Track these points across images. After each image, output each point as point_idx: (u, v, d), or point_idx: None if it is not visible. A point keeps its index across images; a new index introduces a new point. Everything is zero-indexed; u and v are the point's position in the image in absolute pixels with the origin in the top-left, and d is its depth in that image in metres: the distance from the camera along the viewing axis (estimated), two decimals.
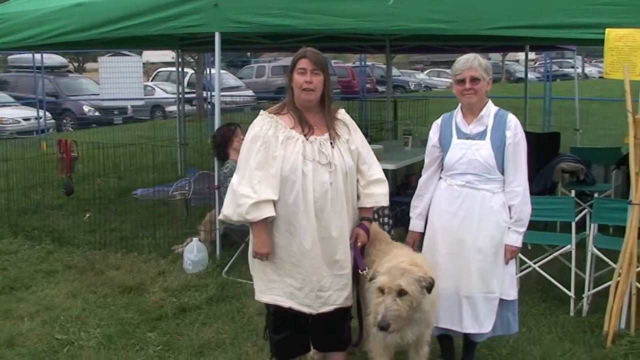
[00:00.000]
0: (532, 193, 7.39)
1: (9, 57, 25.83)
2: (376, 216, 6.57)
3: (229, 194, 4.07)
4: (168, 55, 24.93)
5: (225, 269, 6.72)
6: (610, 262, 5.57)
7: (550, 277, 5.87)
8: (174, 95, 16.13)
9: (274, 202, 3.98)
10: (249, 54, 33.76)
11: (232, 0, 6.55)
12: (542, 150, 8.51)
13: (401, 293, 3.75)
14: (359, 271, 4.12)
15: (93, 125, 19.73)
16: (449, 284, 4.29)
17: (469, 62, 4.25)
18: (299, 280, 4.06)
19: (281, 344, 4.33)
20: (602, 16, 5.18)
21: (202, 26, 6.76)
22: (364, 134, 4.42)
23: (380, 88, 28.64)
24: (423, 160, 4.67)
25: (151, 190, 10.04)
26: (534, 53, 28.63)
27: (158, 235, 7.85)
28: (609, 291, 5.28)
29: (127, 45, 12.41)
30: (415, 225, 4.59)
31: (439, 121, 4.54)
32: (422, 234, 4.58)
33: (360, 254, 4.19)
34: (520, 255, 5.99)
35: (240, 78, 30.06)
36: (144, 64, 20.53)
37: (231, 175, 4.24)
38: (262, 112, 4.18)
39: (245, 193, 3.92)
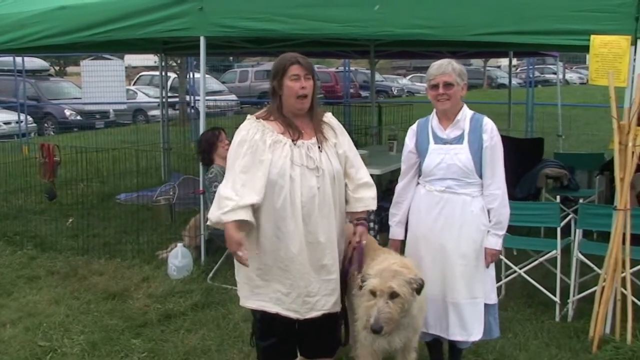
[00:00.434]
0: (516, 199, 7.48)
1: None
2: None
3: (215, 198, 4.05)
4: (150, 59, 24.86)
5: (210, 274, 6.68)
6: (595, 268, 5.59)
7: (535, 283, 5.88)
8: (157, 99, 16.07)
9: (261, 207, 3.95)
10: (231, 58, 33.70)
11: (218, 5, 6.53)
12: (526, 156, 8.56)
13: (393, 295, 3.72)
14: (356, 273, 4.08)
15: (75, 130, 19.64)
16: (435, 290, 4.27)
17: (443, 67, 4.25)
18: (287, 285, 4.03)
19: (268, 351, 4.30)
20: (587, 23, 5.20)
21: (187, 30, 6.73)
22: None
23: (364, 93, 28.69)
24: None
25: (134, 195, 9.96)
26: (515, 59, 28.80)
27: (142, 241, 7.79)
28: (594, 296, 5.31)
29: (111, 48, 12.34)
30: (395, 233, 4.57)
31: (414, 127, 4.52)
32: (403, 242, 4.57)
33: (362, 254, 4.14)
34: (505, 260, 6.03)
35: (223, 82, 30.01)
36: (126, 67, 20.47)
37: (216, 180, 4.22)
38: (249, 116, 4.15)
39: (228, 195, 3.88)
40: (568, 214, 6.32)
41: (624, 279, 5.21)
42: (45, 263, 7.24)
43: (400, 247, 4.55)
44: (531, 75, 17.70)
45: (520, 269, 5.96)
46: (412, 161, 4.48)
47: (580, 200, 6.35)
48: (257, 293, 4.11)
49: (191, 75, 19.52)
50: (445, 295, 4.30)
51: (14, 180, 10.85)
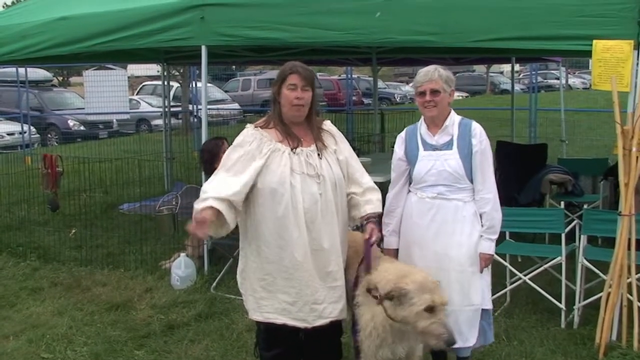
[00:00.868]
0: (520, 205, 7.45)
1: None
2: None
3: None
4: (153, 68, 24.86)
5: (214, 284, 6.65)
6: (601, 274, 5.56)
7: (540, 289, 5.85)
8: (160, 109, 16.07)
9: (261, 218, 3.95)
10: (234, 67, 33.74)
11: (219, 14, 6.52)
12: (530, 161, 8.52)
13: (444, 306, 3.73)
14: (366, 273, 4.03)
15: (78, 140, 19.62)
16: None
17: (429, 74, 4.24)
18: (292, 294, 4.00)
19: None
20: (589, 28, 5.18)
21: (189, 39, 6.72)
22: (351, 146, 4.39)
23: (366, 100, 28.70)
24: None
25: (137, 205, 9.96)
26: (518, 65, 28.77)
27: (145, 251, 7.77)
28: (600, 303, 5.27)
29: (113, 59, 12.36)
30: (390, 242, 4.55)
31: (403, 134, 4.52)
32: (397, 250, 4.54)
33: (370, 253, 4.10)
34: (510, 267, 6.00)
35: (226, 91, 30.04)
36: (129, 77, 20.50)
37: None
38: (248, 125, 4.16)
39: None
40: (572, 220, 6.29)
41: (629, 285, 5.18)
42: (49, 274, 7.22)
43: (395, 257, 4.51)
44: (534, 81, 17.66)
45: (525, 275, 5.93)
46: (402, 169, 4.47)
47: (585, 206, 6.32)
48: (262, 305, 4.08)
49: (194, 85, 19.53)
50: None
51: (17, 191, 10.86)
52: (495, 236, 4.30)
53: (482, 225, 4.29)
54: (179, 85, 23.37)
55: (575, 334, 5.48)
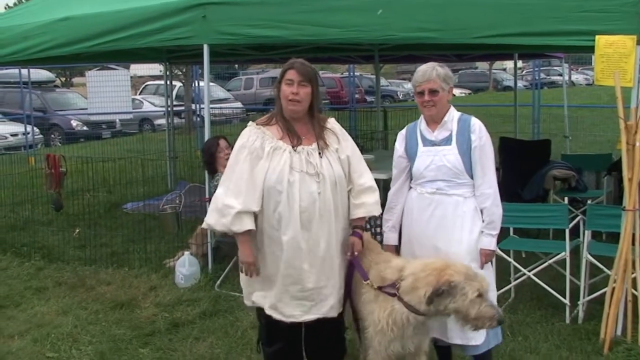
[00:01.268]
0: (524, 201, 7.44)
1: None
2: (368, 226, 6.52)
3: (213, 202, 4.07)
4: (156, 68, 24.86)
5: (218, 282, 6.66)
6: (605, 269, 5.56)
7: (545, 285, 5.84)
8: (162, 109, 16.09)
9: (261, 213, 3.98)
10: (236, 66, 33.75)
11: (220, 12, 6.52)
12: (533, 157, 8.52)
13: None
14: (363, 281, 4.06)
15: (81, 140, 19.65)
16: None
17: (427, 74, 4.23)
18: (284, 290, 4.03)
19: (274, 357, 4.30)
20: (591, 23, 5.18)
21: (191, 38, 6.73)
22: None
23: (369, 98, 28.69)
24: None
25: (141, 204, 9.97)
26: (521, 61, 28.70)
27: (149, 250, 7.78)
28: (605, 298, 5.27)
29: (115, 58, 12.37)
30: (389, 238, 4.55)
31: (403, 131, 4.53)
32: (397, 246, 4.54)
33: (359, 263, 4.14)
34: (514, 263, 6.00)
35: (229, 90, 30.05)
36: (131, 77, 20.49)
37: None
38: (250, 123, 4.17)
39: (229, 204, 3.91)
40: (576, 215, 6.28)
41: (634, 280, 5.19)
42: (53, 274, 7.23)
43: (396, 253, 4.51)
44: (537, 77, 17.63)
45: (529, 271, 5.92)
46: (402, 165, 4.47)
47: (589, 201, 6.32)
48: (267, 296, 4.10)
49: (196, 84, 19.54)
50: None
51: (21, 191, 10.88)
52: (496, 232, 4.28)
53: (482, 221, 4.28)
54: (181, 84, 23.37)
55: (580, 329, 5.48)
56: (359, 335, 4.33)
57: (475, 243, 4.26)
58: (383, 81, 32.47)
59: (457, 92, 34.25)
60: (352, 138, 4.36)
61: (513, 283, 6.07)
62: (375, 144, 12.07)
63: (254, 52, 10.59)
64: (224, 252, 6.96)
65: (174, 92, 19.44)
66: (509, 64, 38.68)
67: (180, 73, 21.80)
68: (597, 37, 5.11)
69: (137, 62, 15.49)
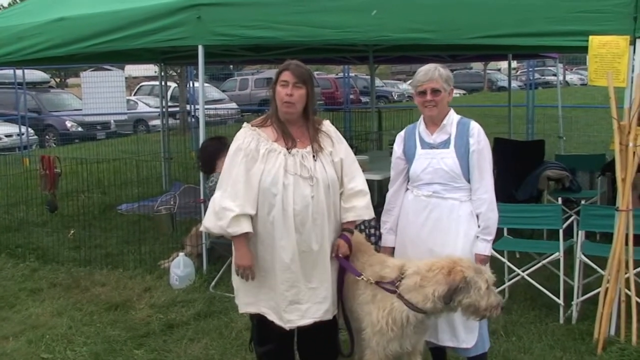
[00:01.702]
0: (518, 201, 7.45)
1: None
2: (362, 227, 6.54)
3: (211, 205, 4.07)
4: (150, 69, 24.86)
5: (213, 283, 6.67)
6: (599, 269, 5.58)
7: (538, 285, 5.86)
8: (157, 109, 16.07)
9: (255, 216, 3.98)
10: (231, 66, 33.74)
11: (215, 13, 6.53)
12: (527, 158, 8.54)
13: None
14: (356, 277, 4.07)
15: (76, 141, 19.62)
16: None
17: (429, 73, 4.23)
18: (278, 293, 4.03)
19: (266, 357, 4.31)
20: (585, 23, 5.20)
21: (185, 39, 6.73)
22: (349, 145, 4.40)
23: (364, 99, 28.71)
24: None
25: (136, 205, 9.97)
26: (515, 61, 28.74)
27: (143, 251, 7.78)
28: (598, 298, 5.29)
29: (110, 59, 12.36)
30: (387, 240, 4.55)
31: (402, 133, 4.52)
32: (394, 248, 4.54)
33: (348, 263, 4.15)
34: (508, 263, 6.01)
35: (224, 91, 30.04)
36: (126, 78, 20.49)
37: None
38: (245, 124, 4.17)
39: (227, 206, 3.91)
40: (570, 216, 6.30)
41: (627, 280, 5.20)
42: (48, 275, 7.22)
43: (391, 254, 4.51)
44: (531, 78, 17.67)
45: (523, 271, 5.94)
46: (400, 167, 4.47)
47: (582, 202, 6.33)
48: (258, 299, 4.12)
49: (191, 85, 19.53)
50: None
51: (16, 192, 10.86)
52: (491, 237, 4.27)
53: (478, 226, 4.29)
54: (176, 85, 23.36)
55: (574, 329, 5.50)
56: (351, 337, 4.34)
57: (470, 247, 4.25)
58: (378, 82, 32.52)
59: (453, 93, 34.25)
60: (347, 139, 4.36)
61: (507, 283, 6.08)
62: (369, 145, 12.07)
63: (249, 53, 10.60)
64: (219, 253, 6.96)
65: (169, 93, 19.45)
66: (504, 65, 38.78)
67: (175, 74, 21.80)
68: (590, 37, 5.13)
69: (131, 62, 15.45)
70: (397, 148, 4.50)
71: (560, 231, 5.83)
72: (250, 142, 4.00)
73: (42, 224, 9.45)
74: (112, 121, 21.82)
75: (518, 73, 37.41)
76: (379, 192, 8.04)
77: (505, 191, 7.56)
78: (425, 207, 4.30)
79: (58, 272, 7.31)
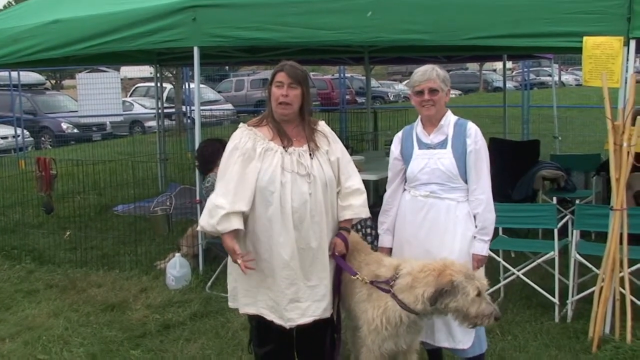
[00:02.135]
0: (513, 201, 7.48)
1: None
2: (359, 227, 6.56)
3: (206, 205, 4.08)
4: (146, 70, 24.86)
5: (209, 283, 6.68)
6: (594, 268, 5.60)
7: (534, 284, 5.89)
8: (153, 111, 16.08)
9: (253, 215, 3.99)
10: (227, 67, 33.75)
11: (210, 15, 6.54)
12: (522, 158, 8.56)
13: None
14: (352, 276, 4.08)
15: (72, 143, 19.61)
16: None
17: (427, 73, 4.25)
18: (277, 292, 4.04)
19: (265, 358, 4.31)
20: (579, 24, 5.22)
21: (181, 41, 6.74)
22: (344, 145, 4.41)
23: (360, 99, 28.73)
24: None
25: (132, 206, 9.97)
26: (511, 62, 28.76)
27: (140, 252, 7.78)
28: (593, 297, 5.32)
29: (105, 61, 12.35)
30: (384, 240, 4.57)
31: (400, 134, 4.53)
32: (391, 249, 4.56)
33: (344, 262, 4.17)
34: (503, 262, 6.04)
35: (219, 92, 30.03)
36: (122, 79, 20.48)
37: (212, 189, 4.23)
38: (241, 124, 4.19)
39: (220, 204, 3.92)
40: (565, 215, 6.33)
41: (622, 279, 5.23)
42: (44, 276, 7.23)
43: (389, 254, 4.52)
44: (527, 78, 17.71)
45: (518, 270, 5.97)
46: (398, 168, 4.49)
47: (577, 201, 6.36)
48: (256, 300, 4.12)
49: (187, 86, 19.53)
50: None
51: (12, 194, 10.85)
52: (489, 237, 4.29)
53: (475, 226, 4.30)
54: (172, 86, 23.35)
55: (569, 327, 5.53)
56: (338, 335, 4.35)
57: (467, 247, 4.27)
58: (374, 82, 32.55)
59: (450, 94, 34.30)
60: (343, 139, 4.38)
61: (502, 282, 6.10)
62: (365, 145, 12.10)
63: (245, 54, 10.61)
64: (215, 253, 6.98)
65: (165, 94, 19.43)
66: (499, 65, 38.84)
67: (171, 75, 21.80)
68: (584, 38, 5.16)
69: (127, 64, 15.46)
70: (395, 149, 4.51)
71: (555, 230, 5.86)
72: (246, 141, 4.02)
73: (38, 226, 9.45)
74: (107, 122, 21.83)
75: (514, 73, 37.52)
76: (375, 192, 8.06)
77: (501, 191, 7.57)
78: (422, 207, 4.31)
79: (54, 273, 7.32)
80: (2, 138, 19.01)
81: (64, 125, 21.36)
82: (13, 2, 37.17)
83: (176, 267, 6.80)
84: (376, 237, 7.25)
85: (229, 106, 26.18)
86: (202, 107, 7.87)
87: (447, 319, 4.19)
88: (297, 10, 6.18)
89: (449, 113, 4.36)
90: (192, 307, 6.17)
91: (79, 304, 6.37)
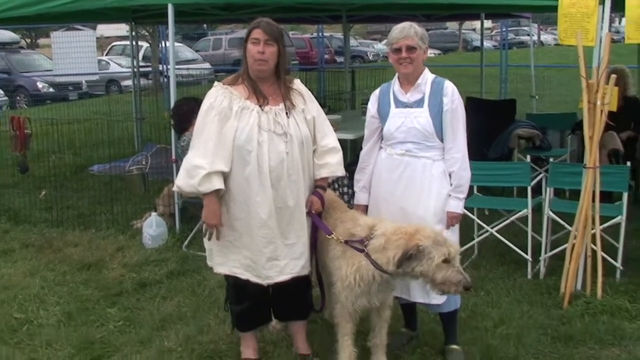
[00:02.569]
0: (488, 159, 7.52)
1: None
2: (336, 186, 6.58)
3: (183, 164, 4.07)
4: (123, 28, 24.49)
5: (185, 242, 6.69)
6: (566, 225, 5.67)
7: (507, 242, 5.96)
8: (129, 70, 15.90)
9: (229, 174, 3.98)
10: (205, 26, 33.38)
11: None
12: (498, 117, 8.60)
13: None
14: (327, 235, 4.11)
15: (47, 102, 19.37)
16: None
17: (405, 30, 4.22)
18: (255, 251, 4.06)
19: (242, 315, 4.34)
20: None
21: None
22: (321, 104, 4.40)
23: (339, 59, 28.59)
24: None
25: (108, 166, 9.92)
26: (490, 22, 28.70)
27: (116, 211, 7.77)
28: (565, 253, 5.40)
29: (80, 19, 12.15)
30: (360, 198, 4.58)
31: (376, 92, 4.53)
32: (367, 207, 4.58)
33: (320, 220, 4.19)
34: (477, 220, 6.09)
35: (197, 51, 29.73)
36: (97, 38, 20.18)
37: (188, 148, 4.22)
38: (216, 83, 4.16)
39: (199, 164, 3.91)
40: (540, 174, 6.38)
41: (594, 236, 5.30)
42: (20, 236, 7.20)
43: (365, 213, 4.54)
44: (505, 38, 17.69)
45: (492, 228, 6.03)
46: (374, 126, 4.48)
47: (551, 160, 6.40)
48: (229, 259, 4.14)
49: (163, 44, 19.29)
50: None
51: None
52: (463, 195, 4.32)
53: (450, 184, 4.33)
54: (148, 45, 23.05)
55: (541, 284, 5.62)
56: (322, 292, 4.40)
57: (442, 205, 4.29)
58: (353, 42, 32.34)
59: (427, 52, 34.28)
60: (320, 98, 4.36)
61: (476, 240, 6.17)
62: (342, 104, 12.06)
63: (222, 11, 10.47)
64: (191, 213, 6.97)
65: (141, 53, 19.21)
66: (479, 25, 38.80)
67: (147, 33, 21.51)
68: None
69: (102, 22, 15.23)
70: (372, 107, 4.50)
71: (529, 188, 5.91)
72: (222, 100, 3.99)
73: (14, 185, 9.39)
74: (83, 82, 21.57)
75: (493, 33, 37.43)
76: (352, 151, 8.07)
77: (477, 150, 7.61)
78: (398, 166, 4.32)
79: (30, 233, 7.29)
80: None
81: (40, 85, 21.09)
82: None
83: (152, 226, 6.80)
84: (352, 195, 7.25)
85: (207, 65, 25.95)
86: (179, 67, 7.79)
87: None
88: None
89: (427, 71, 4.35)
90: (168, 266, 6.19)
91: (55, 263, 6.36)
